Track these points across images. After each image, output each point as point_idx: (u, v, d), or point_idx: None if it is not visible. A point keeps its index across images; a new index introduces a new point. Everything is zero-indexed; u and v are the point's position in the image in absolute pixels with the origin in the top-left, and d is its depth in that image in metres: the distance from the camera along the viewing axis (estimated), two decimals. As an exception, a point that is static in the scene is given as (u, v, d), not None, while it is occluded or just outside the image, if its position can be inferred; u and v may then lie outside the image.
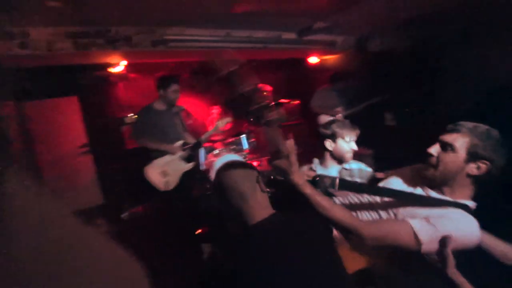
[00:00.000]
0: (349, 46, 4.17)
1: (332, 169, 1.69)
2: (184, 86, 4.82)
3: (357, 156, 4.17)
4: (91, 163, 3.95)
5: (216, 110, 4.57)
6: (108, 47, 2.50)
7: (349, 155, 1.70)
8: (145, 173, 2.43)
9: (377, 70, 5.26)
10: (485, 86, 3.88)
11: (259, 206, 0.98)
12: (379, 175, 1.54)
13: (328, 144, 1.71)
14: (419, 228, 0.93)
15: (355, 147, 1.72)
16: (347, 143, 1.68)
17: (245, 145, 3.69)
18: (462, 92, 4.42)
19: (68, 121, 3.71)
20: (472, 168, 1.03)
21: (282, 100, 5.56)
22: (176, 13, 2.33)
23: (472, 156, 1.01)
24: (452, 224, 0.93)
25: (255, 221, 0.95)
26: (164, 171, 2.44)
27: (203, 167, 3.77)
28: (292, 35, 3.28)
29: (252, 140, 3.81)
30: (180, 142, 2.57)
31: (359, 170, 1.72)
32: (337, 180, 1.11)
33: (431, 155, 1.10)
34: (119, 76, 3.96)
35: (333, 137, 1.70)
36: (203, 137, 2.68)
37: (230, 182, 0.99)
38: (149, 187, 2.46)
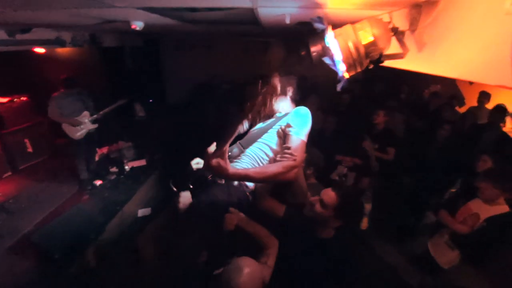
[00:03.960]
0: (83, 42, 4.00)
1: None
2: None
3: (116, 152, 4.48)
4: None
5: None
6: None
7: None
8: None
9: (112, 64, 5.48)
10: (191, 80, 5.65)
11: None
12: None
13: None
14: None
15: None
16: None
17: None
18: (178, 84, 6.03)
19: None
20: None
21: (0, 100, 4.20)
22: None
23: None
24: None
25: None
26: None
27: None
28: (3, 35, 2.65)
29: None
30: None
31: None
32: None
33: None
34: None
35: None
36: None
37: None
38: None
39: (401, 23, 1.26)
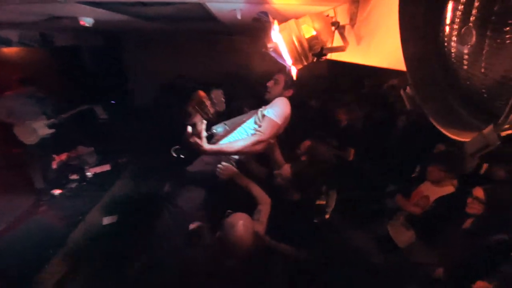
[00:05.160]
0: (32, 41, 3.71)
1: None
2: None
3: (76, 159, 4.20)
4: None
5: None
6: None
7: None
8: None
9: (69, 64, 5.13)
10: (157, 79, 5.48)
11: None
12: None
13: None
14: None
15: None
16: None
17: None
18: (142, 85, 5.83)
19: None
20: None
21: None
22: None
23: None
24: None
25: None
26: None
27: None
28: None
29: None
30: None
31: None
32: None
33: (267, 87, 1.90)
34: None
35: None
36: None
37: None
38: None
39: (343, 18, 1.32)
